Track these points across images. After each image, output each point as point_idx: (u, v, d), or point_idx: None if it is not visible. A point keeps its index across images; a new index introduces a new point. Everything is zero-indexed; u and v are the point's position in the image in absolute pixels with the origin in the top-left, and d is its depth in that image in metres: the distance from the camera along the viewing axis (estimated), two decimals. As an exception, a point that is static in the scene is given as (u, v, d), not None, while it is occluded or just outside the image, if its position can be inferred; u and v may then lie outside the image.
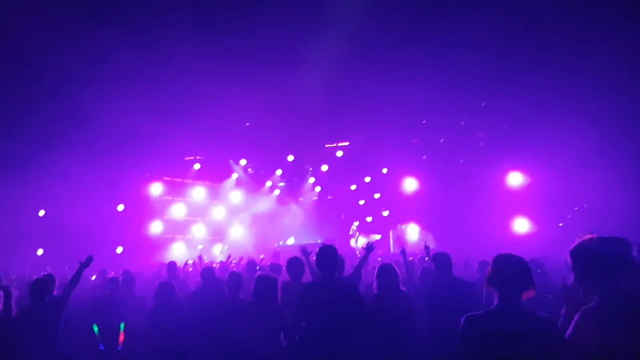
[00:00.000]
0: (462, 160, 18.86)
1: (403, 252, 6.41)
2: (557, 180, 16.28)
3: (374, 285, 5.07)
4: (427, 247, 6.96)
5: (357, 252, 18.92)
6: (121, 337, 6.34)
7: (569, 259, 2.81)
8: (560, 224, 17.68)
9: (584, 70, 14.00)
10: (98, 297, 6.96)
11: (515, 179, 17.84)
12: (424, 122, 18.51)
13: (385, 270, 5.04)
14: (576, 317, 2.69)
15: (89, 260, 5.56)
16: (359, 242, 20.84)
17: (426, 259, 8.75)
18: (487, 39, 14.47)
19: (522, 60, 14.60)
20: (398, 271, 5.04)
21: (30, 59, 14.98)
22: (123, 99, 17.27)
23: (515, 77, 14.79)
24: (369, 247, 6.18)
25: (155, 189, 21.58)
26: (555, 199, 16.80)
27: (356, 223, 21.22)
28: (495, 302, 2.88)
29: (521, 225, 17.29)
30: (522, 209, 17.54)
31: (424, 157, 20.14)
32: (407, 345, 4.74)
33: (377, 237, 21.06)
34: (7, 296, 5.15)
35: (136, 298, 6.97)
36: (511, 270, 2.85)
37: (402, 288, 5.00)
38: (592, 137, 14.91)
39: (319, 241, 20.95)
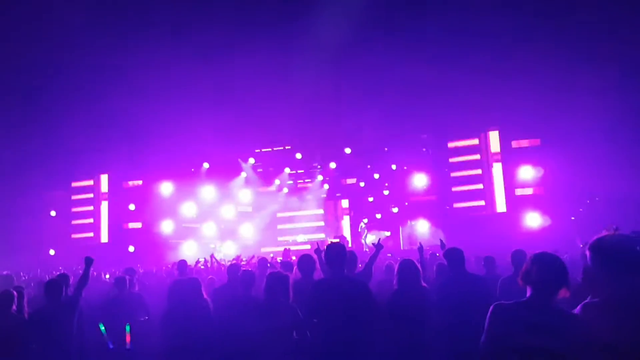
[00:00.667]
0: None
1: (420, 249, 6.38)
2: (569, 173, 16.16)
3: (395, 281, 5.03)
4: (442, 244, 6.92)
5: (365, 248, 18.90)
6: (127, 338, 6.37)
7: (587, 253, 2.79)
8: (573, 218, 17.53)
9: (599, 63, 13.90)
10: (109, 297, 7.00)
11: (527, 172, 17.70)
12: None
13: (407, 266, 4.98)
14: (577, 311, 2.71)
15: (90, 259, 5.55)
16: (368, 239, 20.79)
17: (437, 254, 8.72)
18: (507, 30, 14.45)
19: (541, 51, 14.52)
20: (418, 267, 5.02)
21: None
22: (134, 99, 17.43)
23: (532, 68, 14.72)
24: (379, 245, 6.15)
25: (166, 188, 21.67)
26: (568, 192, 16.66)
27: (365, 220, 21.16)
28: (528, 294, 2.87)
29: (533, 219, 17.16)
30: (534, 203, 17.42)
31: (424, 150, 20.00)
32: (426, 341, 4.72)
33: (387, 233, 21.01)
34: (20, 296, 5.18)
35: (142, 296, 7.03)
36: (548, 269, 2.83)
37: (423, 284, 4.98)
38: (606, 130, 14.78)
39: (322, 236, 20.95)
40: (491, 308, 2.91)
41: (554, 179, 17.03)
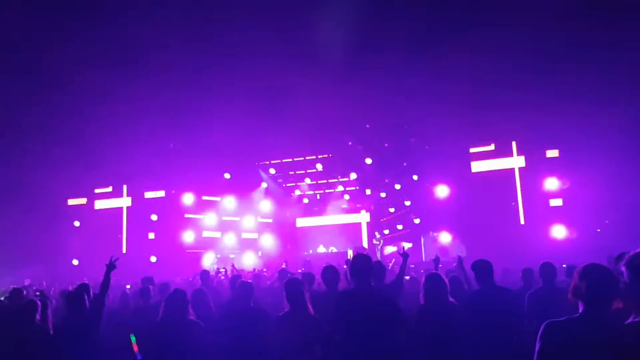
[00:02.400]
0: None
1: (436, 260, 6.23)
2: (594, 185, 15.81)
3: (421, 295, 4.90)
4: (460, 260, 6.65)
5: (378, 255, 18.68)
6: (135, 348, 6.33)
7: (624, 269, 2.66)
8: (599, 230, 17.13)
9: (626, 75, 13.67)
10: (134, 307, 6.97)
11: (552, 184, 17.35)
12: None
13: (433, 280, 4.83)
14: None
15: (112, 264, 5.52)
16: (386, 251, 20.61)
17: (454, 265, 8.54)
18: (529, 39, 14.30)
19: (564, 62, 14.33)
20: (446, 281, 4.86)
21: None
22: (156, 111, 17.65)
23: (555, 78, 14.52)
24: (405, 254, 6.03)
25: (188, 199, 21.83)
26: (593, 204, 16.28)
27: (385, 232, 21.01)
28: (580, 310, 2.74)
29: (558, 231, 16.79)
30: (559, 214, 17.06)
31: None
32: (452, 358, 4.56)
33: (408, 245, 20.78)
34: (44, 307, 5.18)
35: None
36: (599, 282, 2.69)
37: (450, 299, 4.81)
38: (631, 141, 14.48)
39: (349, 250, 20.80)
40: (543, 326, 2.76)
41: (579, 190, 16.66)
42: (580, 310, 2.74)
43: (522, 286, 6.48)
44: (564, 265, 9.77)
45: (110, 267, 5.48)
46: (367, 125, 20.66)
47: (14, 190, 19.32)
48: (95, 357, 5.04)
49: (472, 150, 19.04)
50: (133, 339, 6.00)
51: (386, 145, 21.28)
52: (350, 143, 21.51)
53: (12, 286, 10.51)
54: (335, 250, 20.49)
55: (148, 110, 18.06)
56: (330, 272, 5.32)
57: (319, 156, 22.39)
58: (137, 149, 19.73)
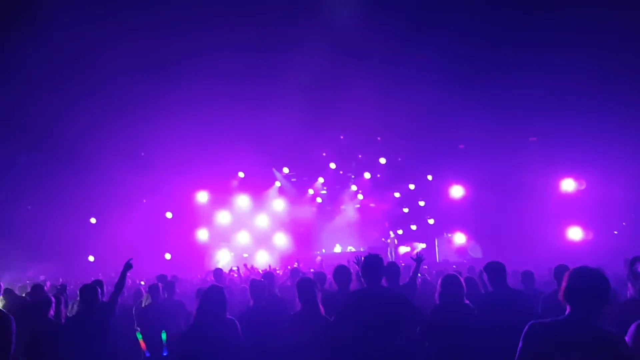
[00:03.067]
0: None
1: (445, 262, 6.16)
2: (611, 186, 15.58)
3: (436, 296, 4.87)
4: (471, 267, 6.64)
5: (390, 258, 18.60)
6: (143, 346, 6.38)
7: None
8: (616, 232, 16.88)
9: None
10: (145, 304, 7.04)
11: (569, 185, 17.12)
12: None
13: (450, 281, 4.76)
14: (632, 330, 2.64)
15: (129, 264, 5.56)
16: (400, 250, 20.53)
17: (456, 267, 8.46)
18: (545, 42, 14.16)
19: (577, 64, 14.15)
20: (463, 283, 4.82)
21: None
22: (169, 108, 17.78)
23: (570, 79, 14.33)
24: (419, 259, 5.99)
25: (202, 197, 21.96)
26: (610, 205, 16.05)
27: (399, 232, 20.92)
28: (567, 312, 2.72)
29: (575, 233, 16.57)
30: (576, 216, 16.83)
31: (461, 146, 19.46)
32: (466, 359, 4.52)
33: (422, 245, 20.68)
34: (59, 302, 5.26)
35: (177, 304, 7.04)
36: (588, 284, 2.68)
37: (466, 301, 4.76)
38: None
39: (361, 249, 20.77)
40: (526, 327, 2.80)
41: (597, 192, 16.42)
42: (566, 313, 2.73)
43: (523, 288, 6.40)
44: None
45: (127, 267, 5.53)
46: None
47: (33, 185, 19.63)
48: (105, 351, 5.09)
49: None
50: (139, 336, 6.05)
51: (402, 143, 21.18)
52: (379, 138, 21.34)
53: (27, 281, 10.67)
54: (353, 249, 20.49)
55: (163, 108, 18.25)
56: (341, 271, 5.31)
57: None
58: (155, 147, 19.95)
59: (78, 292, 5.38)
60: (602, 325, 2.64)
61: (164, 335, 6.35)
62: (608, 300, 2.65)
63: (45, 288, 7.53)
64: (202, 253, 21.11)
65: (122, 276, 5.45)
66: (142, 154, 21.15)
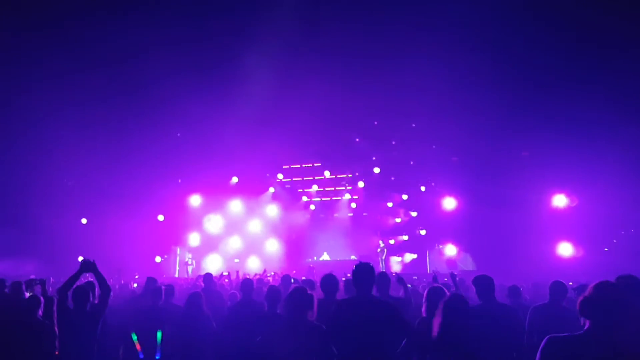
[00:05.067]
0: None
1: (452, 276, 6.20)
2: (603, 203, 15.68)
3: (423, 309, 4.84)
4: (453, 275, 6.68)
5: (382, 267, 18.62)
6: (138, 347, 6.35)
7: None
8: (606, 249, 16.98)
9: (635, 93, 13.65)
10: (141, 306, 6.99)
11: (560, 201, 17.23)
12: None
13: (436, 293, 4.76)
14: None
15: (87, 263, 5.53)
16: (391, 260, 20.56)
17: (444, 279, 8.47)
18: (539, 58, 14.31)
19: (571, 81, 14.31)
20: (448, 295, 4.83)
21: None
22: (164, 113, 17.80)
23: (564, 96, 14.48)
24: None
25: (195, 200, 21.90)
26: (601, 222, 16.15)
27: (391, 242, 20.94)
28: (586, 327, 2.69)
29: (565, 249, 16.65)
30: (566, 232, 16.92)
31: (454, 158, 19.56)
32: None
33: (413, 256, 20.72)
34: (49, 303, 5.22)
35: (175, 307, 7.03)
36: (610, 301, 2.63)
37: None
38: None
39: (352, 257, 20.78)
40: (545, 340, 2.72)
41: (587, 208, 16.52)
42: (585, 328, 2.68)
43: (510, 303, 6.42)
44: (570, 283, 9.71)
45: (85, 266, 5.47)
46: (375, 122, 20.65)
47: (23, 183, 19.54)
48: (92, 352, 5.08)
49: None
50: (135, 337, 6.03)
51: (395, 153, 21.29)
52: (357, 139, 21.45)
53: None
54: (352, 258, 20.53)
55: (158, 112, 18.27)
56: (329, 280, 5.31)
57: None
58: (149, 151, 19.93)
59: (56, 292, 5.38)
60: (625, 342, 2.58)
61: (159, 336, 6.33)
62: (629, 317, 2.59)
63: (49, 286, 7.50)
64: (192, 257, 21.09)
65: (76, 275, 5.43)
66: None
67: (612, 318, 2.60)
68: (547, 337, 2.72)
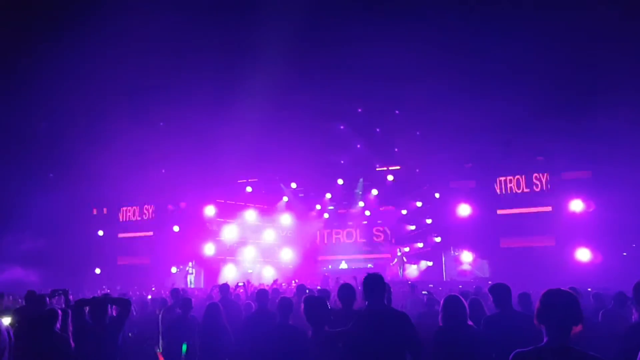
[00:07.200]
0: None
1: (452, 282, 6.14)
2: (621, 207, 15.45)
3: (439, 318, 4.82)
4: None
5: (400, 274, 18.50)
6: (161, 358, 6.39)
7: None
8: (625, 254, 16.69)
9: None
10: (171, 317, 7.04)
11: (577, 206, 16.99)
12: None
13: (452, 302, 4.73)
14: None
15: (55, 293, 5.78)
16: (407, 269, 20.44)
17: (460, 286, 8.37)
18: (552, 59, 14.22)
19: (592, 83, 14.20)
20: (465, 303, 4.79)
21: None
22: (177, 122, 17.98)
23: (581, 98, 14.37)
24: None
25: (209, 211, 22.02)
26: (619, 227, 15.90)
27: (405, 249, 20.86)
28: (545, 338, 2.74)
29: (583, 254, 16.41)
30: (584, 237, 16.67)
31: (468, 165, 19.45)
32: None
33: (429, 263, 20.58)
34: (65, 315, 5.26)
35: (193, 319, 7.08)
36: (558, 305, 2.73)
37: (469, 323, 4.73)
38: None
39: (369, 265, 20.72)
40: (511, 356, 2.80)
41: (605, 213, 16.28)
42: (544, 338, 2.75)
43: (519, 311, 6.33)
44: (588, 289, 9.56)
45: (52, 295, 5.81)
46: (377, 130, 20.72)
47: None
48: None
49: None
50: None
51: (409, 160, 21.23)
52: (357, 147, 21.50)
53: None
54: (369, 266, 20.47)
55: (171, 122, 18.48)
56: (346, 290, 5.30)
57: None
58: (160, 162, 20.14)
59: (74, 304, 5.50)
60: (582, 349, 2.66)
61: (184, 348, 6.36)
62: (578, 319, 2.68)
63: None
64: (208, 268, 21.19)
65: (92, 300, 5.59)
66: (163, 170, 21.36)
67: (561, 325, 2.68)
68: (513, 352, 2.79)
